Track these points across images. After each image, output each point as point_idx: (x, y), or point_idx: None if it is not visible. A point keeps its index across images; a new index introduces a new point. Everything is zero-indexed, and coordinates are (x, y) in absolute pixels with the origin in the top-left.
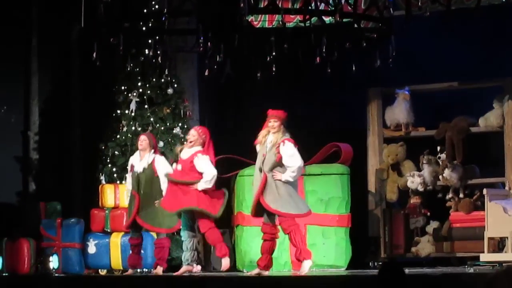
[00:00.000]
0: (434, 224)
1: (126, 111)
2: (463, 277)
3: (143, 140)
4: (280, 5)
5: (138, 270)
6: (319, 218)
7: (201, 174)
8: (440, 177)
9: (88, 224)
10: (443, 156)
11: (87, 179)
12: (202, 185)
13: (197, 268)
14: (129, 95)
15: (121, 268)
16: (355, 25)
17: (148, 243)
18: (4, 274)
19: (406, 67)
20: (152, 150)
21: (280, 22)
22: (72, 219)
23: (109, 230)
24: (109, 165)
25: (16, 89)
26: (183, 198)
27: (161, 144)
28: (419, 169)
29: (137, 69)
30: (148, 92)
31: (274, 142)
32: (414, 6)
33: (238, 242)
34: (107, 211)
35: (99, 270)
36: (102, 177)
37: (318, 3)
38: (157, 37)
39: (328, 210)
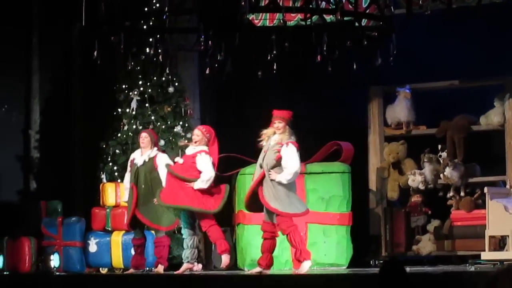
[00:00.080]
0: (435, 223)
1: (127, 110)
2: (464, 276)
3: (144, 138)
4: (281, 4)
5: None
6: (320, 216)
7: (200, 172)
8: (441, 175)
9: (89, 223)
10: (444, 154)
11: (88, 177)
12: (198, 184)
13: (198, 267)
14: (130, 93)
15: (122, 266)
16: (356, 24)
17: (149, 242)
18: (5, 273)
19: (407, 66)
20: (155, 148)
21: (281, 21)
22: (73, 217)
23: (110, 229)
24: (110, 164)
25: (17, 87)
26: (179, 195)
27: (162, 142)
28: (420, 168)
29: (138, 68)
30: (149, 90)
31: (278, 141)
32: (415, 5)
33: (239, 240)
34: (108, 210)
35: (100, 268)
36: (103, 176)
37: (319, 2)
38: (158, 36)
39: (329, 208)
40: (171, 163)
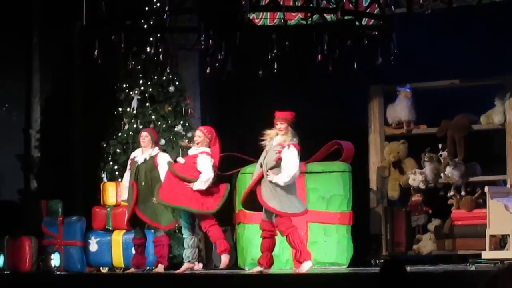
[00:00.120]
0: (435, 222)
1: (128, 109)
2: (465, 275)
3: (145, 137)
4: (281, 3)
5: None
6: (321, 215)
7: (200, 173)
8: (442, 174)
9: (90, 222)
10: (444, 153)
11: (88, 177)
12: (197, 185)
13: (198, 266)
14: (131, 93)
15: (123, 266)
16: (357, 23)
17: (149, 241)
18: (5, 272)
19: (407, 65)
20: (156, 147)
21: (282, 20)
22: (73, 217)
23: (110, 228)
24: (111, 163)
25: (18, 87)
26: (178, 194)
27: (162, 141)
28: (420, 167)
29: (139, 67)
30: (150, 90)
31: (280, 142)
32: (415, 4)
33: (240, 239)
34: (108, 209)
35: (101, 268)
36: (104, 175)
37: (320, 1)
38: (159, 35)
39: (330, 208)
40: (173, 161)
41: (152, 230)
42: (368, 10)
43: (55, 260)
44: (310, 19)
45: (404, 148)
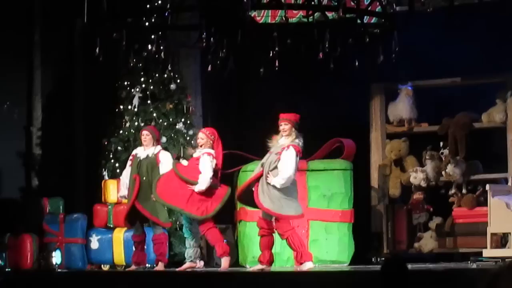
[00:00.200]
0: (437, 220)
1: (129, 107)
2: (466, 273)
3: (146, 136)
4: (283, 1)
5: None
6: (322, 213)
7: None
8: (443, 172)
9: (91, 220)
10: (446, 151)
11: (90, 174)
12: (198, 187)
13: (200, 264)
14: (132, 90)
15: (124, 263)
16: (358, 21)
17: (149, 239)
18: (7, 270)
19: (409, 63)
20: (158, 145)
21: (283, 18)
22: (75, 214)
23: (112, 226)
24: (112, 161)
25: (19, 84)
26: (176, 194)
27: (164, 139)
28: (422, 165)
29: (140, 65)
30: (151, 87)
31: (284, 143)
32: (417, 2)
33: (241, 237)
34: (110, 207)
35: (102, 265)
36: (105, 173)
37: None
38: (160, 33)
39: (331, 205)
40: (177, 162)
41: (151, 227)
42: (369, 8)
43: (56, 257)
44: (311, 17)
45: (406, 146)
